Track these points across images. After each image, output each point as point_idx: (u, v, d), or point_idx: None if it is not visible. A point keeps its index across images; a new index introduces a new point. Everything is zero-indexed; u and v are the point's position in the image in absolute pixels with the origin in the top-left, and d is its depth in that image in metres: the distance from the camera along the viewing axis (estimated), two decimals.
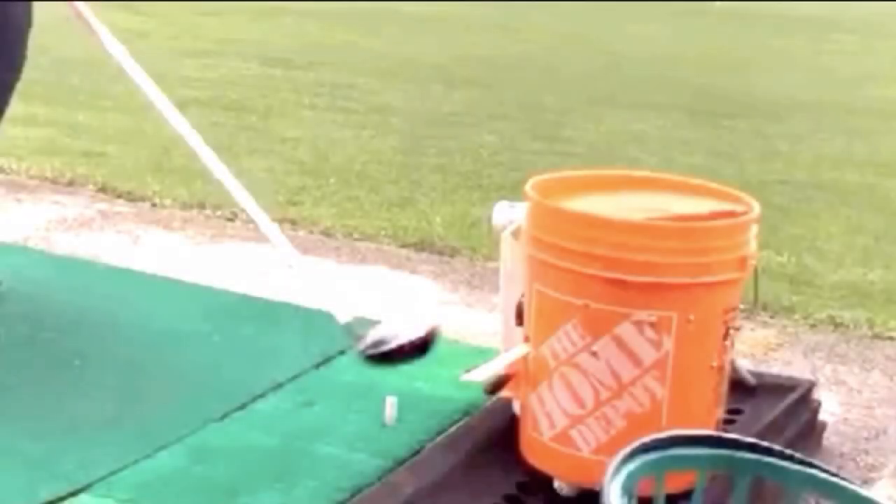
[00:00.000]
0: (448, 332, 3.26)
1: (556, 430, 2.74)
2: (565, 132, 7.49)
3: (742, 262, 2.69)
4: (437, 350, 2.88)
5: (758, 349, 4.00)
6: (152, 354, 3.46)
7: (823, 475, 1.92)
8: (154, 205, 5.18)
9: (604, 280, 2.62)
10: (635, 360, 2.64)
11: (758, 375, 3.37)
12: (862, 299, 4.61)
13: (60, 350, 3.42)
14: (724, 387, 2.80)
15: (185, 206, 5.15)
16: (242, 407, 3.15)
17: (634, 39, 12.29)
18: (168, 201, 5.20)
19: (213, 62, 8.99)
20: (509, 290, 2.97)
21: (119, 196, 5.26)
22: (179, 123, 3.21)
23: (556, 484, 2.78)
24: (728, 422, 3.01)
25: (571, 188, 2.88)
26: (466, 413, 3.14)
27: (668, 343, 2.63)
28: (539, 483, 2.80)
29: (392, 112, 7.70)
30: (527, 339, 2.81)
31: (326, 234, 4.96)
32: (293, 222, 4.98)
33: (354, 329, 2.93)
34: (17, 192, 5.24)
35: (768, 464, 1.93)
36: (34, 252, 4.39)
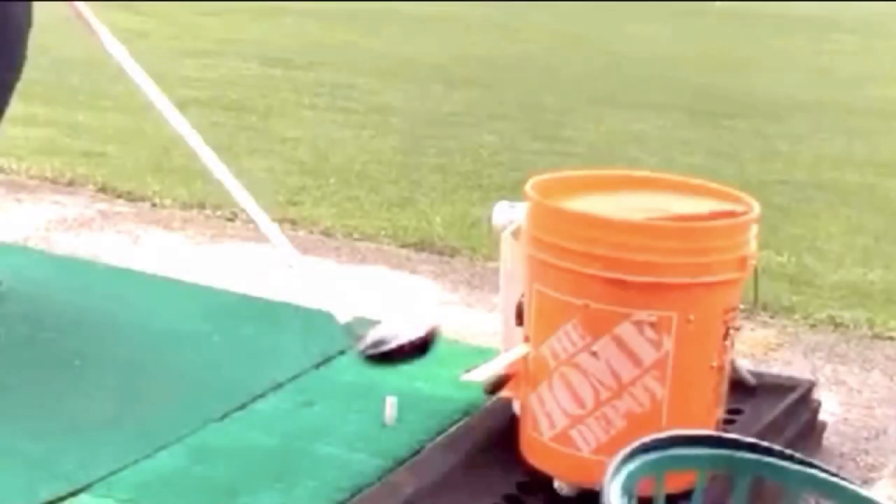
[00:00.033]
0: (448, 332, 3.26)
1: (556, 430, 2.74)
2: (565, 132, 7.49)
3: (742, 262, 2.69)
4: (437, 350, 2.88)
5: (758, 349, 4.00)
6: (152, 354, 3.46)
7: (823, 475, 1.92)
8: (154, 205, 5.18)
9: (604, 280, 2.62)
10: (635, 360, 2.64)
11: (758, 375, 3.37)
12: (862, 299, 4.61)
13: (60, 350, 3.42)
14: (724, 387, 2.80)
15: (185, 206, 5.15)
16: (242, 407, 3.15)
17: (634, 39, 12.29)
18: (168, 201, 5.20)
19: (213, 62, 8.99)
20: (509, 290, 2.97)
21: (119, 196, 5.26)
22: (179, 123, 3.21)
23: (556, 484, 2.78)
24: (728, 422, 3.01)
25: (571, 188, 2.88)
26: (466, 413, 3.14)
27: (668, 343, 2.63)
28: (539, 483, 2.80)
29: (392, 112, 7.70)
30: (527, 339, 2.81)
31: (326, 234, 4.96)
32: (293, 222, 4.98)
33: (354, 329, 2.93)
34: (17, 192, 5.24)
35: (768, 464, 1.93)
36: (34, 252, 4.39)
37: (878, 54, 12.57)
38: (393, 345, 2.85)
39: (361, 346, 2.89)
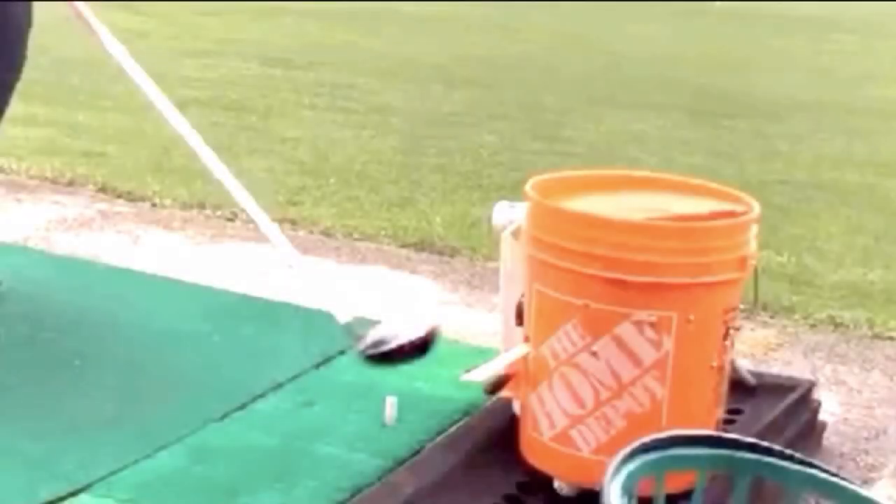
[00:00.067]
0: (448, 332, 3.26)
1: (556, 430, 2.74)
2: (565, 132, 7.49)
3: (742, 262, 2.69)
4: (437, 350, 2.88)
5: (758, 349, 4.00)
6: (152, 354, 3.46)
7: (823, 475, 1.92)
8: (154, 205, 5.18)
9: (604, 280, 2.62)
10: (635, 360, 2.64)
11: (758, 375, 3.37)
12: (862, 299, 4.61)
13: (60, 350, 3.42)
14: (724, 387, 2.80)
15: (185, 206, 5.15)
16: (242, 407, 3.15)
17: (634, 39, 12.29)
18: (168, 201, 5.20)
19: (213, 62, 8.99)
20: (509, 290, 2.97)
21: (119, 196, 5.26)
22: (179, 123, 3.21)
23: (556, 484, 2.78)
24: (728, 422, 3.01)
25: (571, 188, 2.88)
26: (466, 413, 3.14)
27: (668, 343, 2.63)
28: (539, 483, 2.80)
29: (392, 112, 7.70)
30: (527, 339, 2.81)
31: (326, 234, 4.96)
32: (293, 222, 4.98)
33: (354, 329, 2.93)
34: (17, 192, 5.24)
35: (768, 464, 1.93)
36: (34, 252, 4.39)
37: (878, 54, 12.57)
38: (393, 345, 2.85)
39: (361, 346, 2.89)
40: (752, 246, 2.73)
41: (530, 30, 12.51)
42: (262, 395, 3.22)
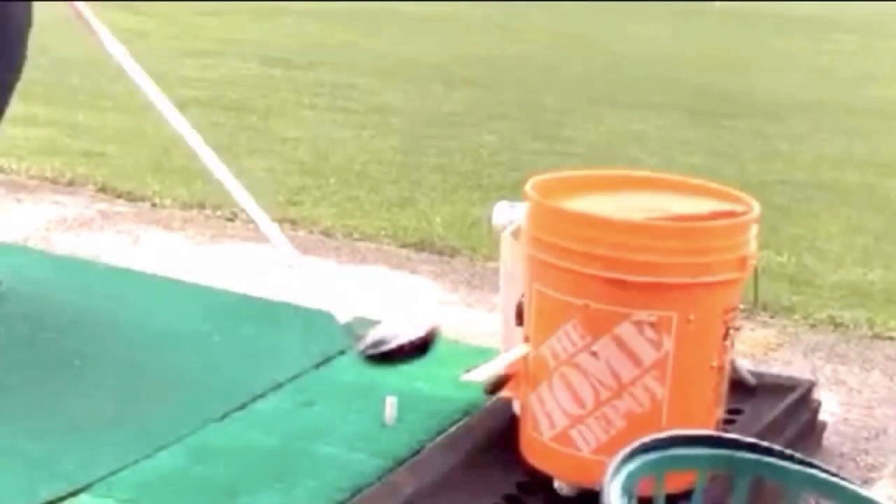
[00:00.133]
0: (448, 332, 3.26)
1: (556, 430, 2.74)
2: (565, 132, 7.49)
3: (742, 262, 2.69)
4: (437, 350, 2.88)
5: (758, 349, 4.00)
6: (152, 354, 3.46)
7: (823, 475, 1.92)
8: (154, 205, 5.18)
9: (604, 280, 2.62)
10: (635, 360, 2.64)
11: (758, 375, 3.37)
12: (862, 299, 4.61)
13: (60, 350, 3.42)
14: (724, 387, 2.80)
15: (185, 206, 5.15)
16: (242, 407, 3.15)
17: (634, 39, 12.29)
18: (168, 201, 5.21)
19: (213, 62, 8.99)
20: (509, 290, 2.97)
21: (119, 196, 5.26)
22: (179, 123, 3.21)
23: (556, 484, 2.78)
24: (728, 422, 3.01)
25: (571, 188, 2.88)
26: (466, 413, 3.14)
27: (668, 343, 2.63)
28: (539, 483, 2.79)
29: (392, 112, 7.70)
30: (527, 339, 2.81)
31: (326, 234, 4.96)
32: (293, 222, 4.98)
33: (354, 329, 2.93)
34: (17, 192, 5.24)
35: (768, 464, 1.93)
36: (34, 252, 4.39)
37: (878, 54, 12.57)
38: (393, 345, 2.85)
39: (361, 346, 2.89)
40: (752, 246, 2.73)
41: (530, 30, 12.51)
42: (262, 395, 3.22)
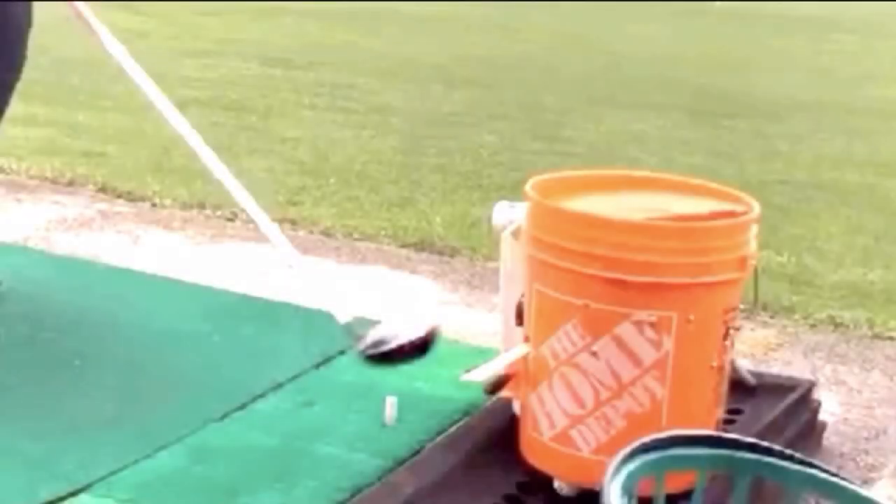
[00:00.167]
0: (448, 332, 3.26)
1: (556, 430, 2.74)
2: (565, 132, 7.49)
3: (742, 262, 2.69)
4: (437, 350, 2.88)
5: (758, 349, 4.00)
6: (152, 354, 3.46)
7: (823, 475, 1.92)
8: (154, 205, 5.18)
9: (604, 280, 2.62)
10: (635, 360, 2.64)
11: (758, 375, 3.37)
12: (862, 299, 4.61)
13: (60, 350, 3.42)
14: (724, 387, 2.80)
15: (185, 206, 5.15)
16: (242, 407, 3.15)
17: (634, 39, 12.29)
18: (168, 201, 5.21)
19: (213, 62, 8.99)
20: (509, 290, 2.97)
21: (119, 196, 5.26)
22: (179, 123, 3.21)
23: (556, 484, 2.78)
24: (728, 422, 3.01)
25: (571, 188, 2.88)
26: (466, 413, 3.14)
27: (668, 343, 2.63)
28: (539, 483, 2.79)
29: (392, 112, 7.70)
30: (527, 339, 2.81)
31: (326, 234, 4.96)
32: (293, 222, 4.98)
33: (354, 329, 2.93)
34: (17, 192, 5.24)
35: (768, 464, 1.93)
36: (34, 252, 4.39)
37: (878, 54, 12.57)
38: (393, 345, 2.85)
39: (361, 346, 2.89)
40: (752, 246, 2.73)
41: (530, 30, 12.51)
42: (262, 395, 3.22)
